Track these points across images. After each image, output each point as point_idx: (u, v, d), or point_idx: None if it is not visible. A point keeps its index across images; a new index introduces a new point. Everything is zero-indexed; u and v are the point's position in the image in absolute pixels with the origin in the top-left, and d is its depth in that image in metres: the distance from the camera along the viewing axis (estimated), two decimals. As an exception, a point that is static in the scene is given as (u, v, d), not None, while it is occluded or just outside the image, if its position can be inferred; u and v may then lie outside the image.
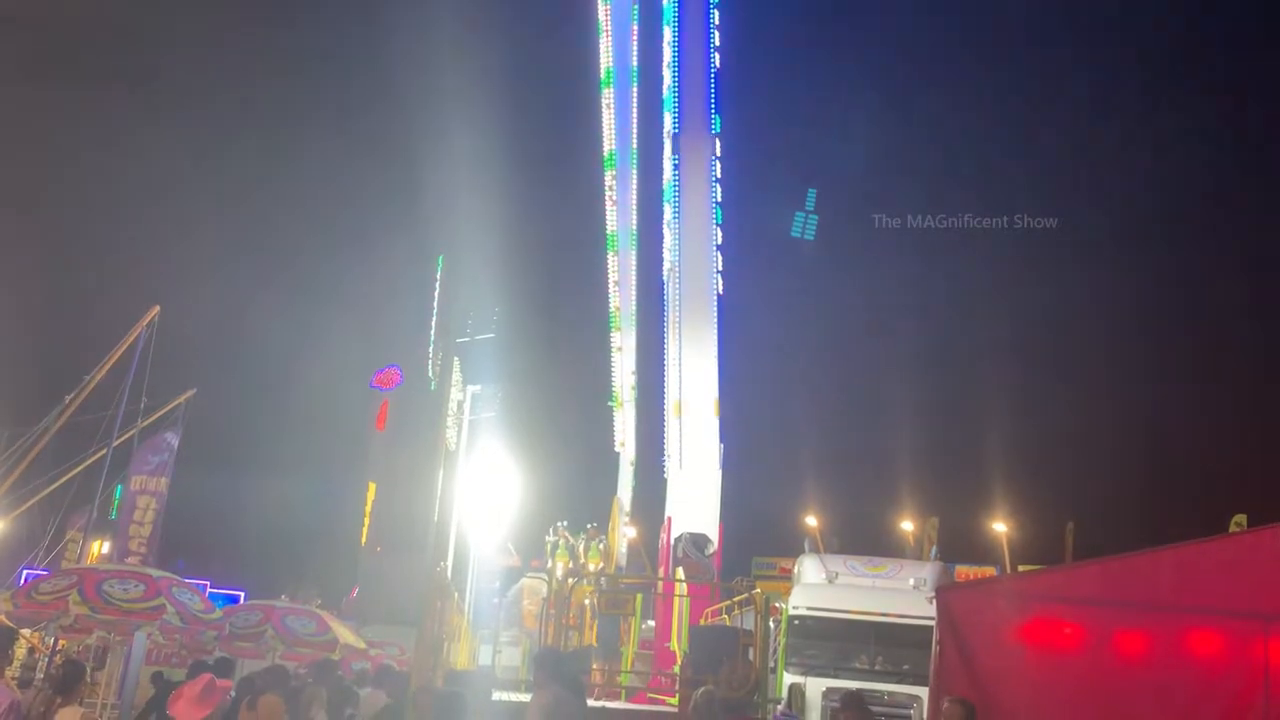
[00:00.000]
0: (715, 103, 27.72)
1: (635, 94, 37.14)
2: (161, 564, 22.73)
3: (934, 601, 7.93)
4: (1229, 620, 6.92)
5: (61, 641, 18.12)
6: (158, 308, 25.12)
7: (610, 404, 42.25)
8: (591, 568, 24.53)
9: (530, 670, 8.03)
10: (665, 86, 29.15)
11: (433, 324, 47.95)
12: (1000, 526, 35.15)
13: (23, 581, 22.99)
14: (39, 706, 6.26)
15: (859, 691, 10.67)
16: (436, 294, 48.53)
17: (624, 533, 30.30)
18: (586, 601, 17.83)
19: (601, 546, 25.65)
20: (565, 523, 27.04)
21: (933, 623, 7.92)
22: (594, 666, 14.36)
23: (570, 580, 16.66)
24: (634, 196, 39.04)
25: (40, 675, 17.94)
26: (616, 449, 42.48)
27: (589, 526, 27.27)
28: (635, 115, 37.26)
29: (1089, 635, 7.36)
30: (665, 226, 28.50)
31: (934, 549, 29.30)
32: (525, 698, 8.36)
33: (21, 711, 6.12)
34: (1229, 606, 6.88)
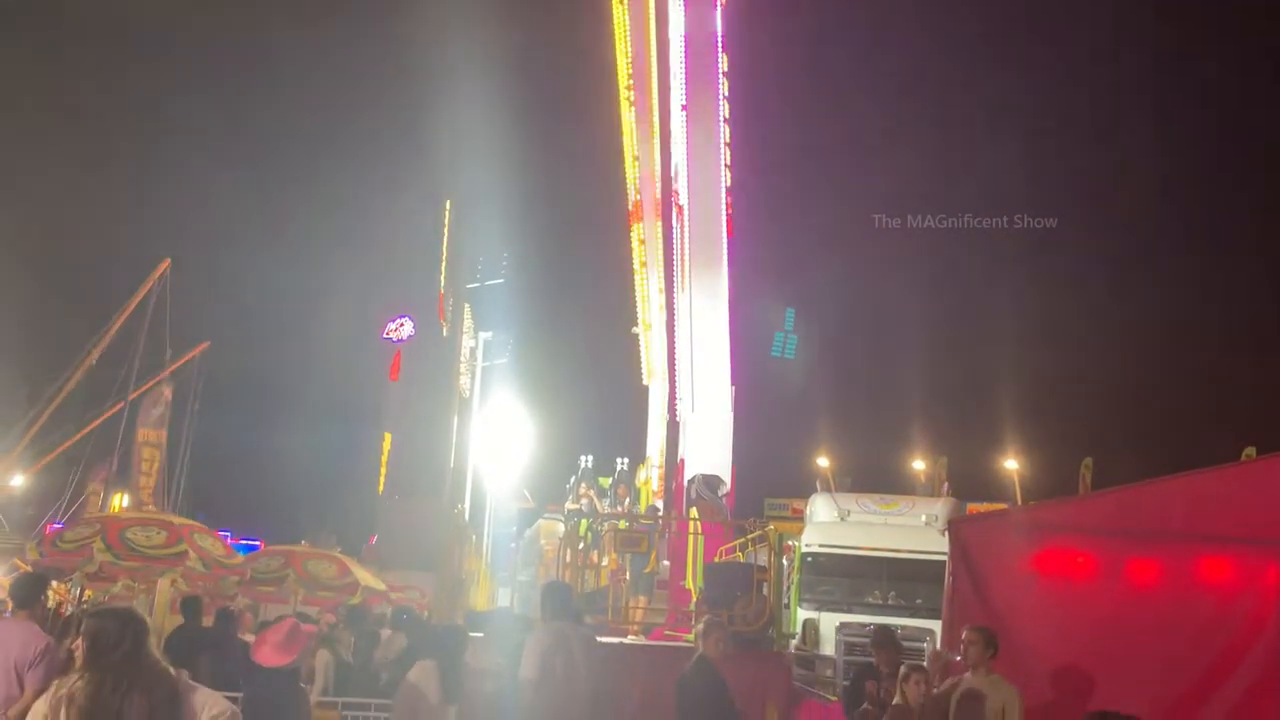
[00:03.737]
0: (720, 40, 27.23)
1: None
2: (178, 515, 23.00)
3: (946, 535, 8.00)
4: (1240, 547, 6.96)
5: (87, 591, 18.40)
6: (169, 261, 25.26)
7: (635, 330, 37.25)
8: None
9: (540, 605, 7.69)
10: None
11: (442, 270, 47.81)
12: (1012, 464, 35.21)
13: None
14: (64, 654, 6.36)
15: (889, 628, 10.74)
16: (445, 239, 48.31)
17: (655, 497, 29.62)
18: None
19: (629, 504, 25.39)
20: (591, 457, 26.37)
21: (945, 558, 8.00)
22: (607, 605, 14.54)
23: (595, 521, 16.67)
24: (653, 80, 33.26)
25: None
26: (645, 382, 37.27)
27: (619, 467, 26.85)
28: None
29: (1101, 564, 7.42)
30: (672, 170, 28.16)
31: (945, 486, 29.38)
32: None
33: (57, 656, 6.23)
34: (1240, 534, 6.91)
